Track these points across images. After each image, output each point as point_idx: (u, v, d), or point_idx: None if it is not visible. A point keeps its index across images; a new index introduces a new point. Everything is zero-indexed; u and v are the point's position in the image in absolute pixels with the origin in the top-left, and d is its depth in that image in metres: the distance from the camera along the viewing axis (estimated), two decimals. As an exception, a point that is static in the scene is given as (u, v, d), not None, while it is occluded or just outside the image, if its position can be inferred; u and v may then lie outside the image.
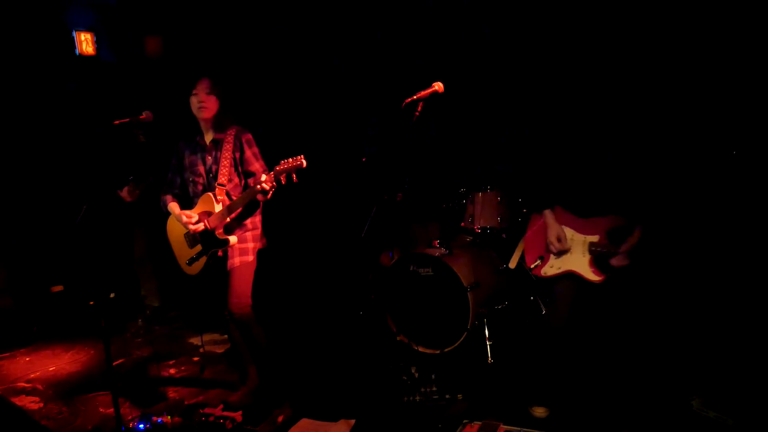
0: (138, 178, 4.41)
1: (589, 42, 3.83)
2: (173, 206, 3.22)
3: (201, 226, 3.07)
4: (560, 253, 2.88)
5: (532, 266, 3.01)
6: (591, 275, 2.79)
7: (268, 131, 3.46)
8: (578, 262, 2.83)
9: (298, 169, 2.77)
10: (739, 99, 3.40)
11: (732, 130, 3.42)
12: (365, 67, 4.90)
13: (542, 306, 3.81)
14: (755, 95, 3.33)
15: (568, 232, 2.88)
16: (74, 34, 5.20)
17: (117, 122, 3.19)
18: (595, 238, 2.79)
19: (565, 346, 2.93)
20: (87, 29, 5.26)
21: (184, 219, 3.09)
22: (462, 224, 4.14)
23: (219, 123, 3.11)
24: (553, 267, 2.92)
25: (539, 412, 2.91)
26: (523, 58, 4.25)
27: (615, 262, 2.72)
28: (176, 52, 5.33)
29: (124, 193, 4.42)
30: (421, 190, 4.43)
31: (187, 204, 3.24)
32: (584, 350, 3.03)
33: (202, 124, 3.15)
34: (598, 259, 2.78)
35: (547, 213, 2.91)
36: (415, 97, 2.52)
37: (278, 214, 3.67)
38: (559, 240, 2.85)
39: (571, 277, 2.85)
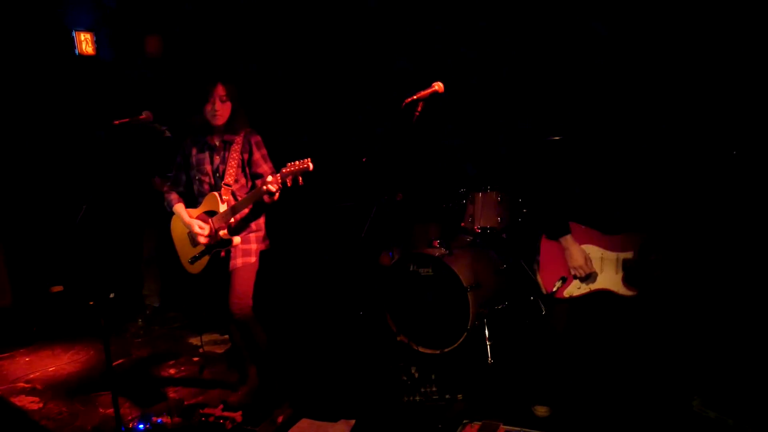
0: (168, 170, 4.43)
1: (596, 43, 3.83)
2: (179, 208, 3.21)
3: (209, 240, 3.07)
4: (588, 275, 2.82)
5: (554, 289, 2.89)
6: (625, 291, 2.74)
7: (267, 132, 3.46)
8: (611, 279, 2.77)
9: (305, 172, 2.77)
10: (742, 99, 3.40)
11: (736, 131, 3.42)
12: (365, 66, 4.90)
13: (542, 306, 3.81)
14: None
15: (596, 250, 2.81)
16: (74, 34, 5.20)
17: (117, 122, 3.19)
18: (629, 255, 2.73)
19: (565, 346, 2.92)
20: (87, 29, 5.26)
21: (197, 230, 3.08)
22: (462, 224, 4.14)
23: (230, 125, 3.11)
24: (580, 288, 2.84)
25: (541, 411, 2.91)
26: (526, 60, 4.26)
27: (659, 273, 2.67)
28: (177, 52, 5.34)
29: (158, 181, 4.42)
30: (421, 190, 4.43)
31: (191, 202, 3.24)
32: (585, 351, 3.03)
33: (214, 128, 3.13)
34: (631, 274, 2.74)
35: (568, 238, 2.82)
36: (415, 97, 2.51)
37: (278, 214, 3.68)
38: (587, 262, 2.78)
39: (594, 295, 2.81)
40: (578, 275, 2.81)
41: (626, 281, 2.75)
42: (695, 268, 2.82)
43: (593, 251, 2.81)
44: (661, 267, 2.67)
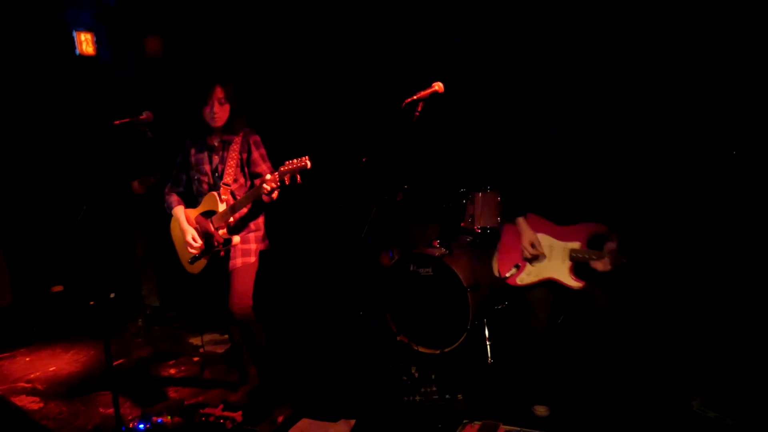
0: (149, 172, 4.43)
1: (584, 44, 3.84)
2: (179, 212, 3.21)
3: (200, 247, 3.11)
4: (535, 260, 2.87)
5: (507, 275, 2.96)
6: (571, 282, 2.78)
7: (266, 132, 3.47)
8: (557, 269, 2.82)
9: (303, 171, 2.78)
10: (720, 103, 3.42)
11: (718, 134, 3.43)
12: (365, 66, 4.90)
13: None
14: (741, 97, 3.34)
15: (546, 239, 2.86)
16: (74, 34, 5.20)
17: (117, 122, 3.19)
18: (576, 245, 2.78)
19: (551, 346, 2.93)
20: (87, 29, 5.27)
21: (189, 239, 3.12)
22: (462, 224, 4.15)
23: (229, 126, 3.11)
24: (530, 275, 2.90)
25: (541, 411, 2.92)
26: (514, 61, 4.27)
27: (600, 266, 2.70)
28: (177, 51, 5.34)
29: (136, 184, 4.43)
30: (421, 190, 4.43)
31: (191, 202, 3.25)
32: (585, 350, 3.03)
33: (213, 129, 3.13)
34: (578, 265, 2.78)
35: (520, 220, 2.90)
36: (415, 97, 2.51)
37: (278, 214, 3.69)
38: (532, 246, 2.84)
39: (548, 284, 2.85)
40: (526, 257, 2.88)
41: (574, 272, 2.78)
42: (664, 261, 2.82)
43: (544, 240, 2.87)
44: (603, 259, 2.69)
